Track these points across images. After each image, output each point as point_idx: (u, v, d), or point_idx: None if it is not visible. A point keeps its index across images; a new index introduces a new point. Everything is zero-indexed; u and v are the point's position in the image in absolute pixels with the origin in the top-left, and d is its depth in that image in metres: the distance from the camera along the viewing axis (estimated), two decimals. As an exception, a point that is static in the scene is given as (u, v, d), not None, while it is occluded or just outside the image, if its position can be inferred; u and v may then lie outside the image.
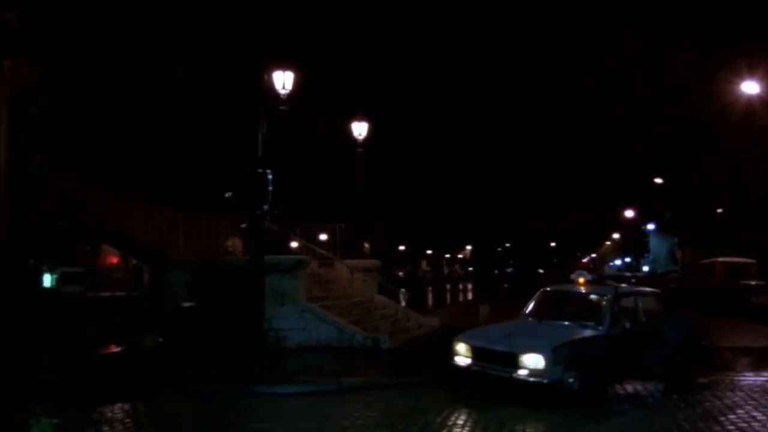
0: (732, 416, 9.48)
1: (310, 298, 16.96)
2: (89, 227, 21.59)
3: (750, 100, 24.15)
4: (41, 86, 18.44)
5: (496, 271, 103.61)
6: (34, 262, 18.53)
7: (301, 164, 30.41)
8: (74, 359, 13.26)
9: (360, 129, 23.17)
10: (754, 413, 9.63)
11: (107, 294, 24.87)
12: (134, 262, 26.16)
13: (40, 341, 14.04)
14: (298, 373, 12.43)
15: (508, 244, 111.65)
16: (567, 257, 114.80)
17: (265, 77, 15.67)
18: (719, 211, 45.46)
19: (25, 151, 18.76)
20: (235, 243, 19.65)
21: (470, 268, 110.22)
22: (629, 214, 60.81)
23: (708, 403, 10.33)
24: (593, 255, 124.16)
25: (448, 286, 63.37)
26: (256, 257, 13.67)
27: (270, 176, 13.65)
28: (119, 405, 10.16)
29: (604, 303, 11.21)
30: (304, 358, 14.24)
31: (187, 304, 15.27)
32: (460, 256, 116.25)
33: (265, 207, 13.69)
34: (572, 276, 12.48)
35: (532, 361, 10.08)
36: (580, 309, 11.62)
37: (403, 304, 21.45)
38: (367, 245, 37.27)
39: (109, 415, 9.69)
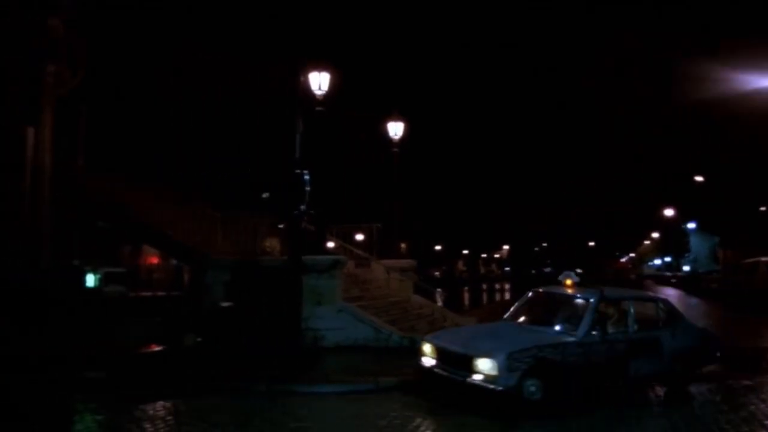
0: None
1: (347, 298, 17.04)
2: (130, 228, 21.96)
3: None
4: (83, 91, 18.77)
5: (533, 271, 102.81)
6: (78, 262, 18.84)
7: (337, 164, 30.52)
8: (117, 358, 13.51)
9: (396, 129, 23.22)
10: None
11: (148, 294, 25.28)
12: (174, 262, 26.52)
13: (84, 340, 14.30)
14: (335, 373, 12.50)
15: (545, 244, 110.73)
16: (606, 257, 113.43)
17: (302, 78, 15.77)
18: (762, 209, 44.51)
19: (67, 155, 19.14)
20: (272, 243, 19.84)
21: (507, 268, 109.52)
22: (669, 212, 59.87)
23: (753, 407, 10.11)
24: (632, 254, 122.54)
25: (484, 286, 63.13)
26: (294, 257, 13.76)
27: (307, 177, 13.74)
28: (161, 403, 10.33)
29: (584, 307, 10.66)
30: (341, 357, 14.30)
31: (225, 304, 15.44)
32: (496, 255, 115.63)
33: (303, 207, 13.76)
34: (560, 277, 11.98)
35: (486, 366, 9.65)
36: (563, 312, 11.09)
37: (440, 303, 21.44)
38: (403, 245, 37.26)
39: (151, 412, 9.86)
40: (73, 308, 15.07)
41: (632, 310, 11.02)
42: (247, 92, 26.31)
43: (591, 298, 10.83)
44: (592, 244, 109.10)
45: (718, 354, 12.18)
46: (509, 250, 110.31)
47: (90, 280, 21.14)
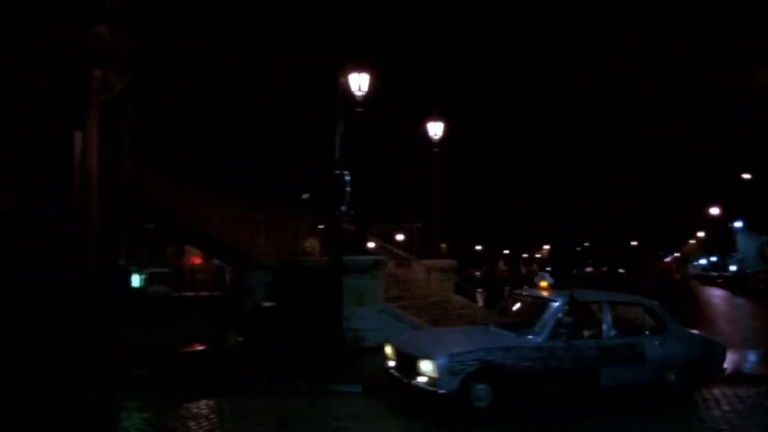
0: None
1: (388, 298, 17.06)
2: (174, 229, 22.31)
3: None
4: (128, 94, 19.14)
5: (574, 271, 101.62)
6: (124, 263, 19.27)
7: (377, 165, 30.61)
8: (161, 356, 13.74)
9: (436, 129, 23.19)
10: None
11: (191, 294, 25.63)
12: (216, 262, 26.86)
13: (130, 339, 14.58)
14: (375, 373, 12.52)
15: (587, 244, 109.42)
16: (649, 257, 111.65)
17: (342, 80, 15.86)
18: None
19: (113, 157, 19.55)
20: (312, 244, 19.96)
21: (548, 268, 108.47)
22: (714, 211, 58.65)
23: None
24: (676, 254, 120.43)
25: (525, 286, 62.53)
26: (335, 258, 13.83)
27: (348, 177, 13.81)
28: (204, 401, 10.48)
29: (549, 310, 10.10)
30: (382, 357, 14.32)
31: (267, 304, 15.59)
32: (537, 255, 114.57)
33: (343, 208, 13.83)
34: (535, 279, 11.59)
35: (428, 368, 9.29)
36: (533, 315, 10.48)
37: (481, 304, 21.32)
38: (443, 245, 37.17)
39: (195, 410, 10.01)
40: (119, 307, 15.40)
41: (609, 315, 10.26)
42: (288, 94, 26.53)
43: (556, 301, 10.25)
44: (634, 243, 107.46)
45: (725, 366, 11.03)
46: (550, 250, 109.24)
47: (135, 280, 21.54)
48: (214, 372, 12.61)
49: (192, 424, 9.32)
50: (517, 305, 11.48)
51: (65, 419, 9.46)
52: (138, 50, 18.53)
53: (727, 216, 58.68)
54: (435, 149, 23.35)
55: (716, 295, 45.40)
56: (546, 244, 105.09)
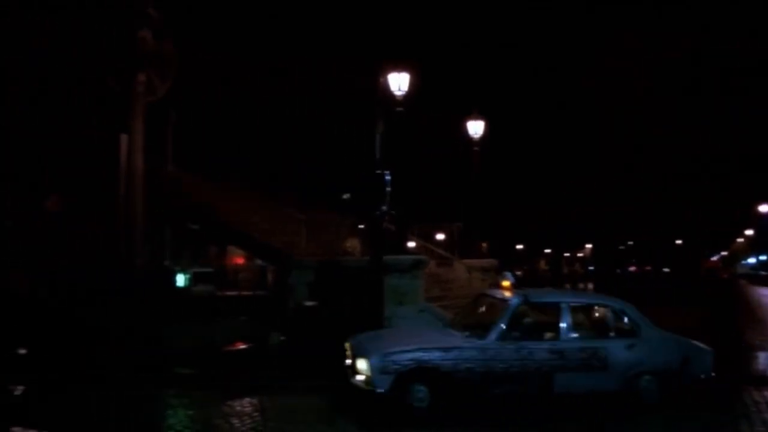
0: None
1: (429, 297, 17.04)
2: (217, 229, 22.60)
3: None
4: (171, 96, 19.42)
5: (617, 270, 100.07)
6: (169, 263, 19.57)
7: (417, 164, 30.59)
8: (205, 355, 13.94)
9: (476, 128, 23.08)
10: None
11: (234, 293, 25.89)
12: (259, 262, 27.09)
13: (175, 337, 14.81)
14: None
15: (630, 242, 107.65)
16: (695, 256, 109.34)
17: (381, 79, 15.89)
18: None
19: (158, 159, 19.87)
20: (353, 243, 20.04)
21: (591, 267, 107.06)
22: (764, 209, 57.20)
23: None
24: (723, 253, 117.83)
25: (567, 286, 61.85)
26: (376, 257, 13.88)
27: (388, 177, 13.83)
28: (247, 399, 10.61)
29: (500, 311, 9.80)
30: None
31: (309, 304, 15.70)
32: (580, 254, 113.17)
33: (384, 207, 13.86)
34: (499, 278, 11.09)
35: (363, 367, 9.23)
36: (489, 316, 10.21)
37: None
38: (484, 244, 36.97)
39: (239, 408, 10.14)
40: (165, 306, 15.65)
41: (568, 316, 9.77)
42: (328, 94, 26.67)
43: (510, 301, 9.89)
44: (680, 242, 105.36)
45: (711, 374, 10.08)
46: (592, 249, 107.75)
47: (180, 279, 21.85)
48: (257, 371, 12.75)
49: (236, 421, 9.44)
50: (482, 306, 11.13)
51: (113, 416, 9.66)
52: (180, 53, 18.79)
53: (777, 213, 57.15)
54: (475, 148, 23.24)
55: (766, 294, 44.28)
56: (588, 243, 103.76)
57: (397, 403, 9.04)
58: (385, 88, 16.25)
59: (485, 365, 9.23)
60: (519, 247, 71.63)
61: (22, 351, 14.13)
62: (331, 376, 11.83)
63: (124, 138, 17.01)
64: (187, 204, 20.78)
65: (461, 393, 9.24)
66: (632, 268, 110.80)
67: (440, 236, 24.14)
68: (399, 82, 17.14)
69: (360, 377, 9.30)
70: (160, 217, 19.58)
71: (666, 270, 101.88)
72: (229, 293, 25.93)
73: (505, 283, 10.48)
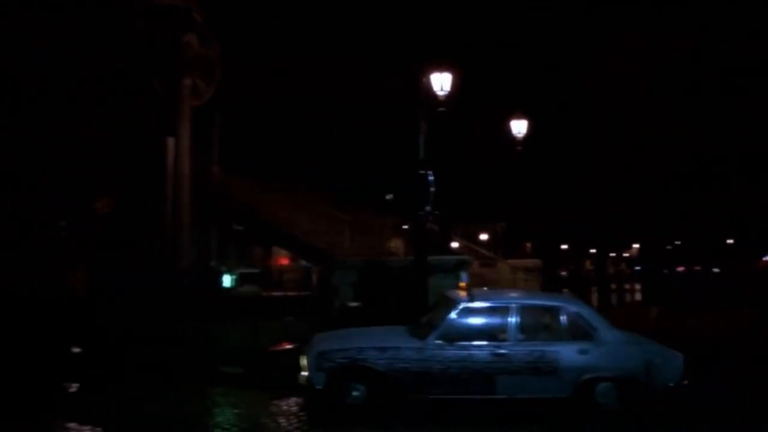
0: None
1: (473, 298, 16.96)
2: (262, 230, 22.88)
3: None
4: (216, 100, 19.76)
5: (665, 270, 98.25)
6: (215, 263, 19.89)
7: (460, 164, 30.53)
8: (251, 354, 14.08)
9: (519, 127, 22.86)
10: None
11: (279, 294, 26.15)
12: (303, 263, 27.34)
13: (222, 337, 15.01)
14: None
15: (678, 242, 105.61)
16: (747, 256, 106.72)
17: (424, 80, 15.89)
18: None
19: (203, 161, 20.22)
20: (396, 244, 20.10)
21: (637, 267, 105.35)
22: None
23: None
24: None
25: (613, 286, 61.02)
26: (419, 258, 13.88)
27: (431, 177, 13.83)
28: (293, 398, 10.68)
29: (444, 312, 9.61)
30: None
31: (353, 304, 15.77)
32: (626, 254, 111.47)
33: (427, 208, 13.86)
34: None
35: (303, 363, 9.40)
36: (440, 317, 9.82)
37: (567, 304, 20.96)
38: (528, 245, 36.70)
39: (285, 407, 10.21)
40: (211, 306, 15.89)
41: (516, 318, 9.37)
42: (371, 95, 26.77)
43: (456, 302, 9.67)
44: (730, 241, 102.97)
45: (682, 382, 9.25)
46: (639, 249, 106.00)
47: (226, 280, 22.16)
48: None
49: (282, 420, 9.52)
50: (441, 307, 10.72)
51: (162, 413, 9.84)
52: (225, 56, 19.11)
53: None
54: (519, 148, 23.04)
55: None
56: (635, 242, 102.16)
57: (333, 400, 9.17)
58: (428, 88, 16.22)
59: (422, 366, 9.11)
60: (563, 247, 70.87)
61: (77, 350, 14.52)
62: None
63: (171, 141, 17.35)
64: (232, 205, 21.07)
65: (398, 393, 9.16)
66: (680, 268, 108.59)
67: (483, 236, 24.06)
68: (441, 82, 17.09)
69: (302, 373, 9.44)
70: (207, 218, 19.90)
71: (716, 270, 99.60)
72: (274, 294, 26.19)
73: (462, 284, 10.38)
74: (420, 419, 9.20)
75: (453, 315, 9.46)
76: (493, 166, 32.58)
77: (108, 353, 13.46)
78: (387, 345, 9.31)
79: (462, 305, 9.57)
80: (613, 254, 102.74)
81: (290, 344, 15.88)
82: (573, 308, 9.67)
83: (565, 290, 22.04)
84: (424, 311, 13.52)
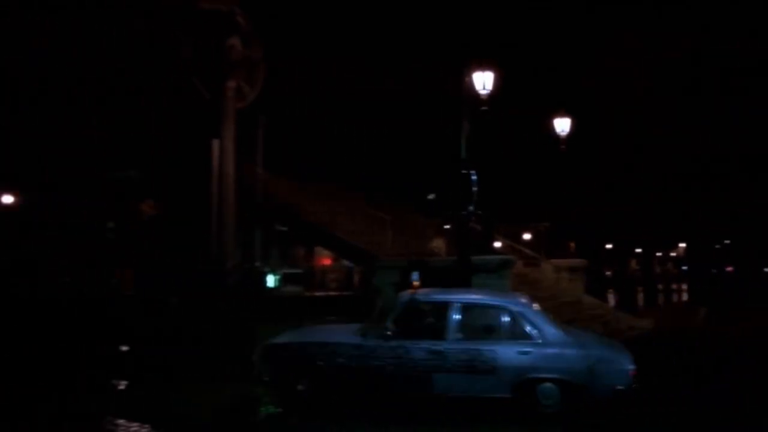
0: None
1: (516, 298, 16.84)
2: (304, 230, 23.06)
3: None
4: (260, 101, 19.96)
5: (713, 270, 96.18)
6: (260, 263, 20.13)
7: (503, 163, 30.34)
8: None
9: (562, 125, 22.63)
10: None
11: (322, 294, 26.38)
12: (345, 263, 27.51)
13: (266, 337, 15.16)
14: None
15: (727, 241, 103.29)
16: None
17: (466, 78, 15.83)
18: None
19: (247, 162, 20.46)
20: (438, 244, 20.06)
21: (684, 267, 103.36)
22: None
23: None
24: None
25: (660, 287, 59.92)
26: (462, 257, 13.84)
27: (474, 177, 13.78)
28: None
29: (387, 310, 9.80)
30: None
31: (395, 304, 15.75)
32: (673, 254, 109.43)
33: (470, 207, 13.82)
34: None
35: (255, 357, 9.94)
36: (382, 314, 10.10)
37: (612, 304, 20.69)
38: (572, 244, 36.31)
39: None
40: (256, 306, 16.07)
41: (457, 316, 9.37)
42: (413, 94, 26.77)
43: (398, 300, 9.83)
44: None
45: (631, 386, 8.94)
46: (686, 248, 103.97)
47: (270, 280, 22.40)
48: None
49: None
50: (387, 304, 11.09)
51: (210, 412, 9.98)
52: (268, 57, 19.29)
53: None
54: (562, 146, 22.80)
55: None
56: (682, 242, 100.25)
57: (282, 391, 9.69)
58: (470, 87, 16.15)
59: (360, 363, 9.27)
60: (608, 246, 69.84)
61: (125, 348, 14.84)
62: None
63: (215, 143, 17.59)
64: (275, 206, 21.29)
65: (339, 388, 9.45)
66: (729, 268, 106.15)
67: (527, 236, 23.86)
68: (484, 81, 17.00)
69: (257, 365, 10.00)
70: (251, 219, 20.13)
71: (767, 270, 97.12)
72: (317, 294, 26.42)
73: (415, 283, 10.57)
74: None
75: (391, 312, 9.64)
76: (536, 165, 32.31)
77: (154, 352, 13.72)
78: (329, 341, 9.60)
79: (401, 303, 9.74)
80: (660, 254, 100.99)
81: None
82: (516, 308, 9.55)
83: (611, 290, 21.73)
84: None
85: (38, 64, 22.84)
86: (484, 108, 16.58)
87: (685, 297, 45.74)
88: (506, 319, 9.40)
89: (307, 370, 9.48)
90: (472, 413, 9.14)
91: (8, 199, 29.86)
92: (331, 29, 27.08)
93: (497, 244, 21.10)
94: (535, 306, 9.90)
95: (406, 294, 10.02)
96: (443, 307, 9.57)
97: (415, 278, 10.75)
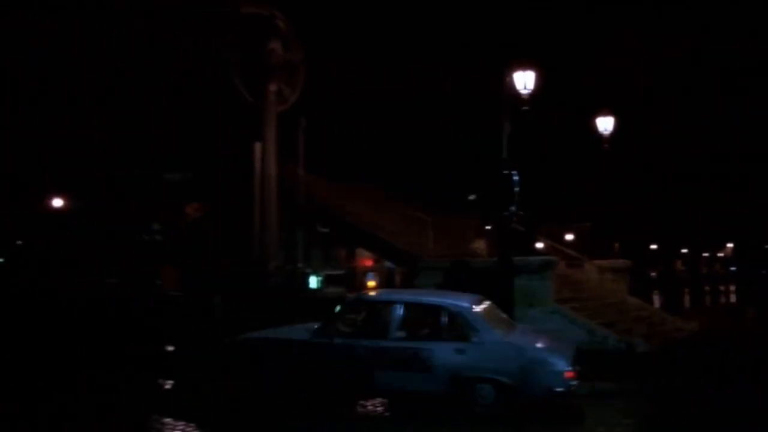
0: None
1: (559, 299, 16.69)
2: (346, 231, 23.18)
3: None
4: (301, 104, 20.14)
5: (763, 271, 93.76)
6: (302, 265, 20.31)
7: (544, 163, 30.06)
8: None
9: (605, 124, 22.36)
10: None
11: (363, 295, 26.48)
12: (387, 264, 27.58)
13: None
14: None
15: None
16: None
17: (507, 78, 15.75)
18: None
19: (289, 164, 20.64)
20: (479, 245, 19.97)
21: (732, 268, 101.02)
22: None
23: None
24: None
25: (707, 288, 58.71)
26: (504, 259, 13.76)
27: (516, 177, 13.70)
28: (378, 399, 10.79)
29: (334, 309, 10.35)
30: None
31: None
32: (720, 254, 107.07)
33: (512, 208, 13.73)
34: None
35: None
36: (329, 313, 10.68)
37: (658, 305, 20.36)
38: (616, 245, 35.78)
39: (370, 407, 10.33)
40: (299, 307, 16.21)
41: (399, 315, 9.73)
42: (454, 94, 26.71)
43: (343, 299, 10.61)
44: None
45: (567, 388, 9.08)
46: (734, 249, 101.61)
47: (313, 281, 22.60)
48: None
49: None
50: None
51: (253, 411, 10.12)
52: (307, 60, 19.44)
53: None
54: (605, 145, 22.51)
55: None
56: (729, 242, 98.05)
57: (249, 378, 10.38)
58: (511, 86, 16.05)
59: (307, 359, 9.83)
60: (653, 246, 68.65)
61: (170, 348, 15.10)
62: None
63: (257, 146, 17.79)
64: (317, 207, 21.43)
65: (288, 383, 10.05)
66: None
67: (569, 236, 23.56)
68: (525, 81, 16.88)
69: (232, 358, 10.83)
70: (293, 220, 20.31)
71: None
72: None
73: (370, 284, 10.95)
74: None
75: (337, 311, 10.21)
76: (578, 164, 31.94)
77: (198, 352, 13.94)
78: (283, 338, 10.28)
79: (347, 303, 10.41)
80: (707, 254, 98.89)
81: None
82: (454, 309, 9.77)
83: (656, 291, 21.38)
84: (509, 313, 13.47)
85: (79, 65, 23.43)
86: (525, 108, 16.47)
87: (732, 298, 44.80)
88: (444, 319, 9.69)
89: (263, 365, 10.11)
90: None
91: (58, 202, 30.70)
92: (370, 30, 27.16)
93: (539, 245, 20.89)
94: (482, 307, 10.15)
95: (352, 294, 10.57)
96: (385, 307, 10.13)
97: (370, 277, 11.37)
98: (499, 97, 15.40)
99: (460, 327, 9.58)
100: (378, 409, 10.03)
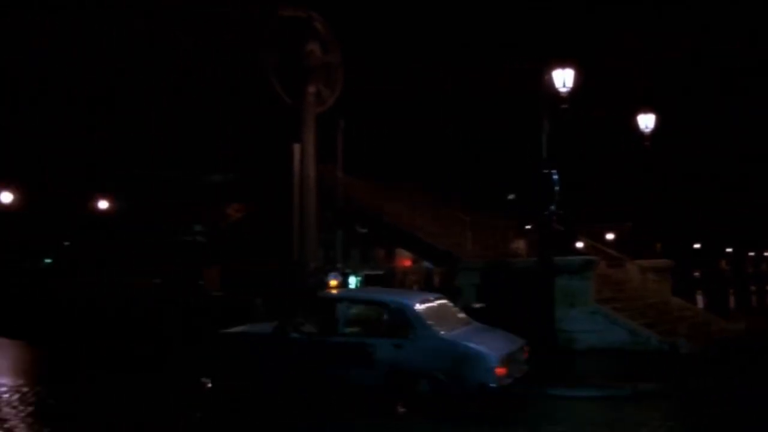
0: None
1: (600, 299, 16.54)
2: (384, 232, 23.24)
3: None
4: (339, 105, 20.25)
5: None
6: (341, 265, 20.41)
7: (584, 162, 29.74)
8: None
9: (646, 122, 22.04)
10: None
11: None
12: (425, 264, 27.57)
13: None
14: (589, 376, 12.22)
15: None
16: None
17: (546, 76, 15.64)
18: None
19: (327, 165, 20.78)
20: (519, 245, 19.85)
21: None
22: None
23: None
24: None
25: (752, 288, 57.38)
26: (544, 258, 13.66)
27: (556, 176, 13.59)
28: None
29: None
30: (594, 361, 13.94)
31: (477, 306, 15.69)
32: (766, 253, 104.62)
33: (552, 208, 13.63)
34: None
35: None
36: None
37: (701, 306, 20.01)
38: (658, 244, 35.17)
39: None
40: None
41: (347, 312, 10.40)
42: (492, 94, 26.59)
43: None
44: None
45: (493, 383, 9.32)
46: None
47: (352, 281, 22.71)
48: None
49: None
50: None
51: (290, 410, 10.25)
52: (346, 61, 19.54)
53: None
54: (646, 143, 22.19)
55: None
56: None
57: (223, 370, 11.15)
58: (550, 85, 15.93)
59: (272, 353, 10.41)
60: (696, 246, 67.33)
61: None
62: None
63: (296, 147, 17.93)
64: (356, 208, 21.53)
65: (250, 375, 10.63)
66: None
67: (610, 236, 23.31)
68: (564, 79, 16.73)
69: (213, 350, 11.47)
70: (332, 221, 20.44)
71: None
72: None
73: (333, 283, 12.15)
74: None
75: (292, 309, 11.02)
76: (618, 162, 31.52)
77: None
78: (253, 332, 11.02)
79: (304, 300, 11.37)
80: (752, 253, 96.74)
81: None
82: (396, 306, 10.32)
83: (700, 291, 21.00)
84: (550, 313, 13.41)
85: (119, 68, 23.88)
86: (564, 106, 16.32)
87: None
88: (386, 316, 10.31)
89: (237, 358, 10.77)
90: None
91: (104, 204, 31.38)
92: (408, 30, 27.19)
93: (579, 245, 20.70)
94: (428, 305, 10.54)
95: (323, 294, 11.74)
96: (336, 304, 10.62)
97: (331, 277, 12.17)
98: (539, 96, 15.29)
99: (400, 323, 10.08)
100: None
